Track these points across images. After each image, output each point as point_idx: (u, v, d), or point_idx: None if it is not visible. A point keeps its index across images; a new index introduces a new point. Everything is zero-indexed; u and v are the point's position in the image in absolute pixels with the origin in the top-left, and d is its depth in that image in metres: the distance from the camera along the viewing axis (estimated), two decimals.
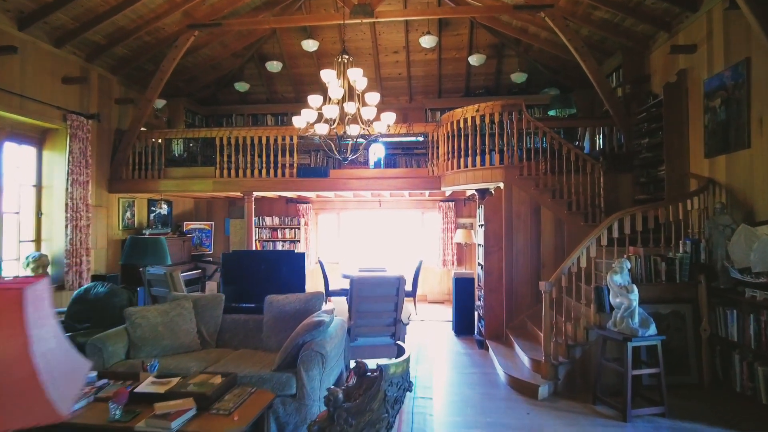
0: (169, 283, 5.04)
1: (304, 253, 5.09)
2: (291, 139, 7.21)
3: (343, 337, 4.17)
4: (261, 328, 4.31)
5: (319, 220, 10.04)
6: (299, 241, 9.56)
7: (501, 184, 5.95)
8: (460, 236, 8.93)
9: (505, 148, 5.89)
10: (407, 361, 2.60)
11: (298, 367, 3.47)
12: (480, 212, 6.53)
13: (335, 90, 5.13)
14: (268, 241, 9.65)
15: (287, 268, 4.85)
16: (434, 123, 7.01)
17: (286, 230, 9.58)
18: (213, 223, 9.88)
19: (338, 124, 5.26)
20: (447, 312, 8.28)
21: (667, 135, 5.49)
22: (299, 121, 5.23)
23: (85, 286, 4.95)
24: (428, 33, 7.57)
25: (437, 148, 6.95)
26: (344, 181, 7.04)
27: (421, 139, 7.85)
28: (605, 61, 7.34)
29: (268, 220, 9.65)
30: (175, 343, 4.14)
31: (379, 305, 4.72)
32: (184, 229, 9.39)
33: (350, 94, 5.37)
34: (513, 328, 5.73)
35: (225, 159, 7.35)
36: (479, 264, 6.65)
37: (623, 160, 6.45)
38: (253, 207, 7.35)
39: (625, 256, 4.56)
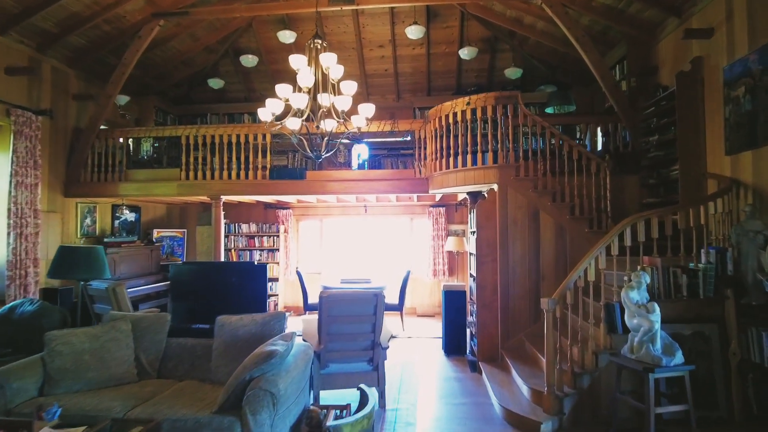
0: (111, 299, 4.33)
1: (265, 265, 4.41)
2: (264, 137, 6.55)
3: (307, 367, 3.48)
4: (211, 355, 3.61)
5: (300, 227, 9.36)
6: (278, 250, 8.86)
7: (495, 186, 5.31)
8: (451, 244, 8.27)
9: (499, 146, 5.25)
10: (369, 416, 1.93)
11: (243, 410, 2.78)
12: (472, 218, 5.88)
13: (305, 77, 4.47)
14: (244, 249, 8.94)
15: (247, 283, 4.17)
16: (421, 120, 6.38)
17: (264, 238, 8.88)
18: (185, 230, 9.17)
19: (311, 118, 4.61)
20: (437, 327, 7.60)
21: (681, 130, 4.88)
22: (265, 113, 4.57)
23: (11, 304, 4.23)
24: (415, 23, 6.96)
25: (425, 147, 6.31)
26: (323, 183, 6.37)
27: (408, 138, 7.22)
28: (608, 53, 6.74)
29: (244, 228, 8.94)
30: (104, 375, 3.43)
31: (354, 326, 4.03)
32: (154, 237, 8.68)
33: (325, 84, 4.72)
34: (509, 349, 5.05)
35: (191, 160, 6.67)
36: (471, 275, 5.99)
37: (629, 159, 5.84)
38: (222, 212, 6.66)
39: (639, 267, 3.92)
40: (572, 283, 3.88)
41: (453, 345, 6.02)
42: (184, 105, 9.30)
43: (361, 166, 7.19)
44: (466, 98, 5.39)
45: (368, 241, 9.22)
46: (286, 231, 9.05)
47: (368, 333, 4.06)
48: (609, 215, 5.10)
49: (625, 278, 3.79)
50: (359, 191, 6.33)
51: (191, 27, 7.40)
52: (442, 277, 8.72)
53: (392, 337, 4.34)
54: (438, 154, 5.77)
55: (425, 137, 6.28)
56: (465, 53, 7.37)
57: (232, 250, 8.95)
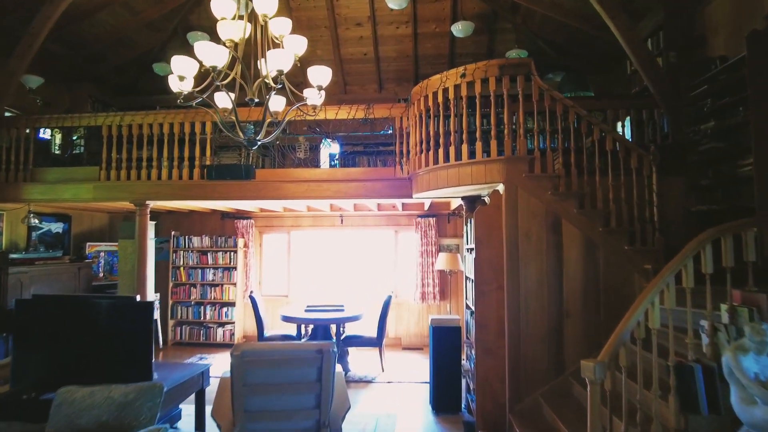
0: None
1: (152, 303, 2.95)
2: (203, 127, 5.14)
3: None
4: None
5: (264, 240, 7.90)
6: (235, 268, 7.39)
7: (500, 187, 3.91)
8: (443, 262, 6.85)
9: (506, 133, 3.87)
10: None
11: None
12: (468, 231, 4.47)
13: (231, 27, 3.07)
14: (195, 267, 7.46)
15: (123, 329, 2.72)
16: (403, 105, 4.99)
17: (219, 254, 7.41)
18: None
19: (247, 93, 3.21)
20: (426, 365, 6.14)
21: (757, 109, 3.52)
22: (173, 81, 3.16)
23: None
24: None
25: (408, 139, 4.92)
26: (277, 185, 4.94)
27: (389, 131, 5.83)
28: (636, 27, 5.42)
29: (195, 241, 7.48)
30: None
31: (287, 399, 2.58)
32: (87, 252, 7.19)
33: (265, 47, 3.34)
34: (521, 415, 3.60)
35: (114, 156, 5.23)
36: (468, 307, 4.56)
37: (671, 155, 4.48)
38: (148, 222, 5.20)
39: (727, 306, 2.52)
40: (628, 334, 2.46)
41: (443, 399, 4.55)
42: (131, 95, 7.89)
43: (332, 166, 5.80)
44: (460, 69, 4.02)
45: (345, 258, 7.78)
46: (246, 246, 7.58)
47: (310, 409, 2.60)
48: (656, 227, 3.72)
49: (720, 330, 2.38)
50: (324, 195, 4.91)
51: None
52: (432, 302, 7.27)
53: (348, 409, 2.87)
54: (423, 146, 4.37)
55: (408, 126, 4.89)
56: (459, 29, 6.03)
57: (181, 268, 7.47)
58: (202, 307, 7.40)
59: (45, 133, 6.40)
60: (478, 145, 3.93)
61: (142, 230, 5.10)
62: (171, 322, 7.41)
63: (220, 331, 7.33)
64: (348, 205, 6.95)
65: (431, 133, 4.26)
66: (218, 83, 3.05)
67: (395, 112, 4.97)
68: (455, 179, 4.04)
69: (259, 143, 3.47)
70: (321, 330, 5.89)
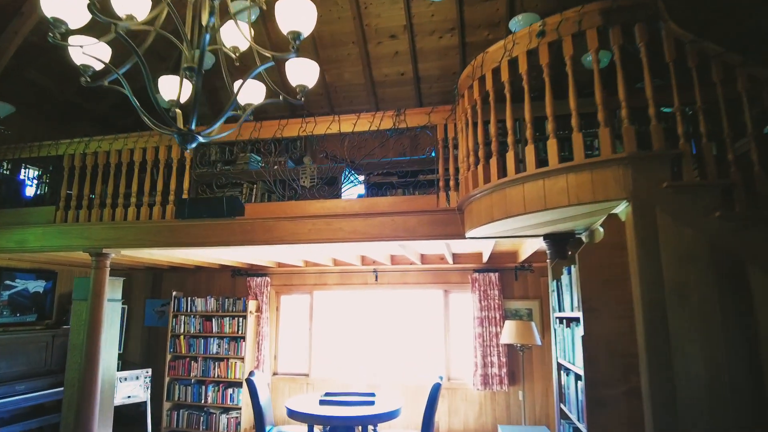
0: None
1: None
2: (182, 152, 3.91)
3: None
4: None
5: (281, 303, 6.43)
6: (244, 338, 5.90)
7: (620, 209, 2.24)
8: (511, 333, 5.01)
9: (623, 114, 2.26)
10: None
11: None
12: (559, 288, 2.75)
13: None
14: (197, 336, 6.06)
15: None
16: (445, 108, 3.52)
17: (226, 320, 5.99)
18: (125, 306, 6.49)
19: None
20: None
21: None
22: (77, 54, 1.90)
23: None
24: None
25: (455, 152, 3.40)
26: (270, 225, 3.50)
27: (433, 154, 4.35)
28: None
29: (199, 304, 6.13)
30: None
31: None
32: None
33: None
34: None
35: (74, 193, 4.09)
36: (566, 418, 2.73)
37: None
38: (107, 279, 3.88)
39: None
40: None
41: None
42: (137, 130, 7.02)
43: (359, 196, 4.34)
44: (535, 26, 2.53)
45: (380, 327, 6.10)
46: (258, 309, 6.13)
47: None
48: None
49: None
50: (336, 237, 3.39)
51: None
52: (498, 388, 5.34)
53: None
54: (481, 153, 2.81)
55: (455, 137, 3.39)
56: (519, 22, 4.62)
57: (181, 337, 6.08)
58: (203, 387, 5.90)
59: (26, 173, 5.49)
60: (576, 138, 2.32)
61: (97, 289, 3.78)
62: (167, 405, 5.94)
63: (223, 418, 5.74)
64: (383, 256, 5.40)
65: (492, 131, 2.71)
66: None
67: (436, 118, 3.49)
68: (538, 200, 2.40)
69: (199, 139, 2.08)
70: None
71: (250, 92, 2.36)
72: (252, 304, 6.02)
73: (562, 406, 2.75)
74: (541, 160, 2.44)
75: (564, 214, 2.44)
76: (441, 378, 4.42)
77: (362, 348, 6.07)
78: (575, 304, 2.38)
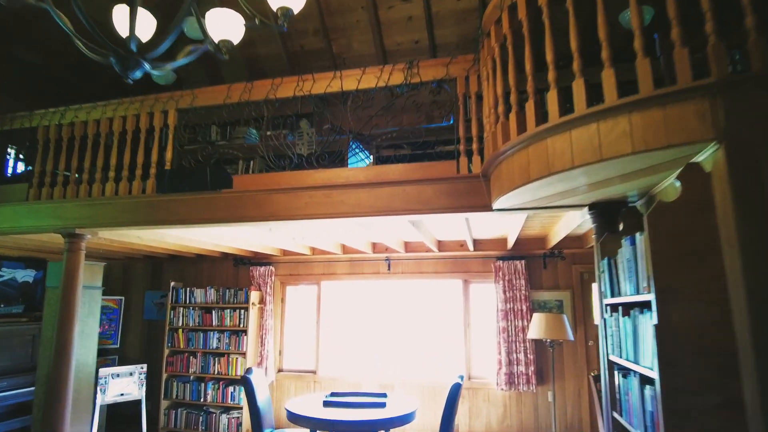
0: None
1: None
2: (165, 117, 3.45)
3: None
4: None
5: (287, 294, 5.95)
6: (245, 332, 5.45)
7: (705, 156, 1.66)
8: (539, 327, 4.44)
9: (709, 27, 1.68)
10: None
11: None
12: (610, 268, 2.19)
13: None
14: (196, 330, 5.63)
15: None
16: (466, 57, 2.95)
17: (227, 312, 5.55)
18: (123, 297, 6.11)
19: None
20: None
21: None
22: None
23: None
24: None
25: (478, 109, 2.84)
26: (261, 198, 3.00)
27: (452, 121, 3.80)
28: None
29: (198, 295, 5.70)
30: None
31: None
32: None
33: None
34: None
35: (49, 169, 3.66)
36: None
37: None
38: (81, 263, 3.44)
39: None
40: None
41: None
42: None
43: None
44: None
45: (393, 320, 5.58)
46: (262, 301, 5.67)
47: None
48: None
49: None
50: (336, 212, 2.87)
51: None
52: (525, 388, 4.77)
53: None
54: (513, 98, 2.25)
55: (473, 89, 2.83)
56: None
57: (179, 331, 5.67)
58: (203, 385, 5.47)
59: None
60: (642, 65, 1.75)
61: (70, 274, 3.35)
62: (164, 404, 5.53)
63: (223, 418, 5.31)
64: (396, 242, 4.88)
65: (527, 68, 2.15)
66: None
67: (456, 69, 2.94)
68: (590, 150, 1.83)
69: (144, 66, 1.60)
70: None
71: (224, 25, 1.87)
72: (254, 295, 5.57)
73: (616, 415, 2.19)
74: (593, 96, 1.87)
75: (623, 167, 1.87)
76: (461, 378, 3.88)
77: (374, 343, 5.57)
78: (642, 284, 1.82)
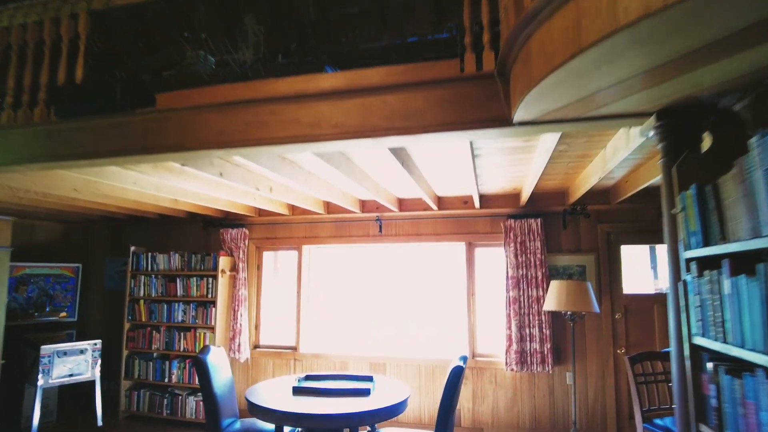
0: None
1: None
2: (74, 19, 2.59)
3: None
4: None
5: (264, 261, 5.19)
6: (214, 303, 4.72)
7: None
8: (557, 297, 3.67)
9: None
10: None
11: None
12: (710, 199, 1.34)
13: None
14: (159, 300, 4.90)
15: None
16: None
17: (193, 280, 4.81)
18: (80, 265, 5.36)
19: None
20: None
21: None
22: None
23: None
24: None
25: None
26: (188, 119, 2.17)
27: (454, 31, 2.94)
28: None
29: (162, 261, 4.95)
30: None
31: None
32: (12, 275, 4.94)
33: None
34: None
35: None
36: None
37: None
38: None
39: None
40: None
41: None
42: None
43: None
44: None
45: (385, 291, 4.83)
46: (233, 269, 4.91)
47: None
48: None
49: None
50: (289, 135, 2.04)
51: None
52: (539, 369, 4.04)
53: None
54: None
55: None
56: None
57: (141, 302, 4.94)
58: (167, 363, 4.78)
59: None
60: None
61: None
62: (125, 384, 4.86)
63: (190, 401, 4.63)
64: (387, 198, 4.07)
65: None
66: None
67: None
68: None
69: None
70: None
71: None
72: (224, 261, 4.80)
73: (704, 429, 1.40)
74: None
75: (731, 23, 1.02)
76: (464, 360, 3.13)
77: (363, 317, 4.83)
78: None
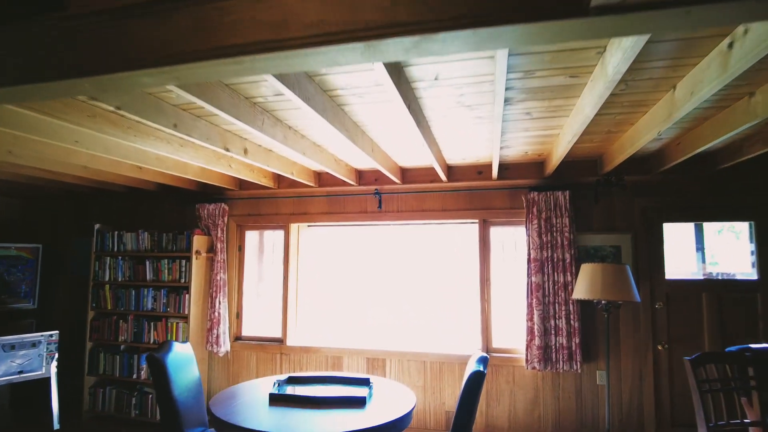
0: None
1: None
2: None
3: None
4: None
5: (246, 241, 4.56)
6: (187, 289, 4.11)
7: None
8: (588, 283, 3.05)
9: None
10: None
11: None
12: None
13: None
14: (127, 285, 4.29)
15: None
16: None
17: (164, 262, 4.19)
18: (40, 246, 4.74)
19: None
20: None
21: None
22: None
23: None
24: None
25: None
26: (111, 29, 1.54)
27: None
28: None
29: (129, 241, 4.32)
30: None
31: None
32: None
33: None
34: None
35: None
36: None
37: None
38: None
39: None
40: None
41: None
42: None
43: None
44: None
45: (385, 276, 4.21)
46: (211, 250, 4.29)
47: None
48: None
49: None
50: (240, 44, 1.41)
51: None
52: (565, 367, 3.44)
53: None
54: None
55: None
56: None
57: (107, 287, 4.32)
58: (135, 357, 4.18)
59: None
60: None
61: None
62: (89, 381, 4.27)
63: None
64: (387, 165, 3.42)
65: None
66: None
67: None
68: None
69: None
70: None
71: None
72: (199, 241, 4.18)
73: None
74: None
75: None
76: (483, 362, 2.52)
77: (361, 306, 4.22)
78: None
